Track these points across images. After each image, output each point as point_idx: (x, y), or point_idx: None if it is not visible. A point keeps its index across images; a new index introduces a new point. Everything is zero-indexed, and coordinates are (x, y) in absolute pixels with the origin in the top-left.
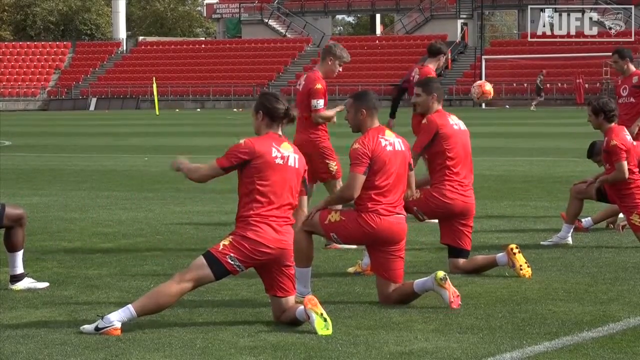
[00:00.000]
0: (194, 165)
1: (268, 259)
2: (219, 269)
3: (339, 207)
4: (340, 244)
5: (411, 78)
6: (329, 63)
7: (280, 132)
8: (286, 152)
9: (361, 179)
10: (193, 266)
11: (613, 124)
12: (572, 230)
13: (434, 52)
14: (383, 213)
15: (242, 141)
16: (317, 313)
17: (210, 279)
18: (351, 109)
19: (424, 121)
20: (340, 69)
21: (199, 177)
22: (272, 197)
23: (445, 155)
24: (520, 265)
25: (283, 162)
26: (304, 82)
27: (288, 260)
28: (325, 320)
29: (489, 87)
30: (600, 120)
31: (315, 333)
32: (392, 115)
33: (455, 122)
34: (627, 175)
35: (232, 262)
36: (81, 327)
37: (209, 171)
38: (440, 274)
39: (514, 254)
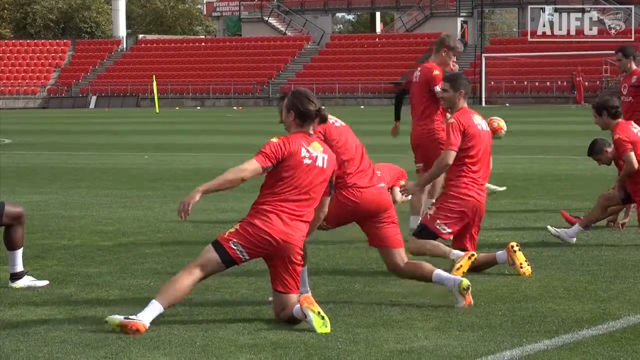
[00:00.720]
0: (216, 179)
1: (272, 250)
2: (224, 255)
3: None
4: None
5: (413, 79)
6: (443, 54)
7: (311, 131)
8: (315, 152)
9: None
10: (201, 253)
11: (619, 120)
12: (578, 231)
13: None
14: (363, 185)
15: (275, 140)
16: (313, 311)
17: (219, 265)
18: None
19: (451, 120)
20: (454, 59)
21: (237, 180)
22: (292, 192)
23: (466, 153)
24: (521, 264)
25: (312, 162)
26: (420, 74)
27: (294, 256)
28: (322, 318)
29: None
30: (605, 118)
31: (315, 331)
32: (397, 117)
33: (478, 122)
34: (636, 165)
35: (235, 248)
36: (108, 317)
37: (250, 173)
38: (465, 283)
39: (514, 251)
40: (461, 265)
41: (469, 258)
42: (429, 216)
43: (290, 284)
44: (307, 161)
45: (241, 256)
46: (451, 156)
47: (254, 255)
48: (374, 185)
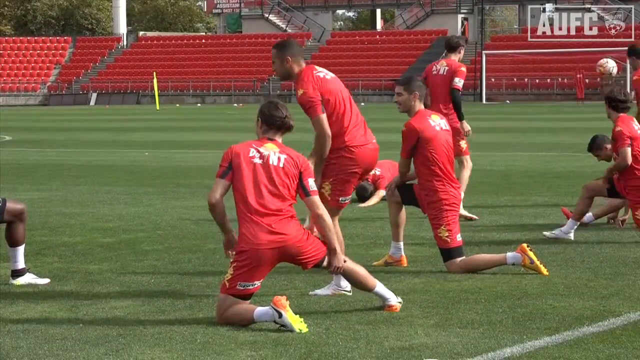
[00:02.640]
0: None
1: (270, 258)
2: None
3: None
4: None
5: (433, 72)
6: None
7: (277, 139)
8: (266, 152)
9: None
10: (220, 308)
11: (620, 114)
12: (575, 226)
13: (453, 47)
14: (359, 143)
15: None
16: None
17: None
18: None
19: (403, 128)
20: None
21: (210, 198)
22: (253, 190)
23: (431, 158)
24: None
25: (263, 161)
26: None
27: (297, 251)
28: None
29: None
30: (608, 109)
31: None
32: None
33: (437, 123)
34: (629, 161)
35: (243, 287)
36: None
37: (217, 190)
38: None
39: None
40: (532, 260)
41: (529, 250)
42: (448, 239)
43: (310, 254)
44: (257, 160)
45: (254, 287)
46: (403, 163)
47: (261, 276)
48: (370, 142)
